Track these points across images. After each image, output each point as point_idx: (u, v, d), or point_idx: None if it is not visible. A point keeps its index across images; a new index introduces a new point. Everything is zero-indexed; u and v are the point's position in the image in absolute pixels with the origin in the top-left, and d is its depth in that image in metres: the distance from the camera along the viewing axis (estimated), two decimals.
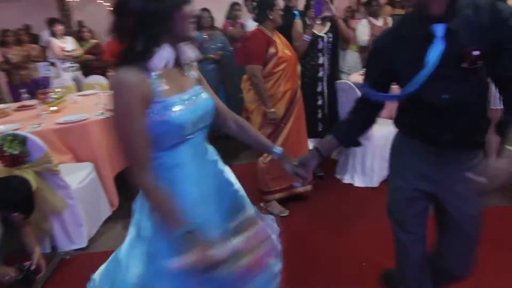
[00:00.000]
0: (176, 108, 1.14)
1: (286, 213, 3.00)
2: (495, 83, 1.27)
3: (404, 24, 1.33)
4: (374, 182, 3.22)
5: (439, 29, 1.17)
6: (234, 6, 5.52)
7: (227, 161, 1.47)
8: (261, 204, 3.10)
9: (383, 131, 3.17)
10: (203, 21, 4.56)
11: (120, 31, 1.12)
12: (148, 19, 1.08)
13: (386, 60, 1.35)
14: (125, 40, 1.12)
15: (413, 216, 1.50)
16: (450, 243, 1.47)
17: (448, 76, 1.22)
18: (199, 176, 1.25)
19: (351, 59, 5.27)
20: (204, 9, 4.62)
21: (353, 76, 3.85)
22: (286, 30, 3.19)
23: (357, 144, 1.60)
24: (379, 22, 4.79)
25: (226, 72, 4.71)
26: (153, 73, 1.12)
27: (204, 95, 1.28)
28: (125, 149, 1.11)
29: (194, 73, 1.32)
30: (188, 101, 1.19)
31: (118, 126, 1.09)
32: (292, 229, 2.78)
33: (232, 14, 5.50)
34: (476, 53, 1.15)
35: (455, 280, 1.57)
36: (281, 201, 3.06)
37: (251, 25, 5.34)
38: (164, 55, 1.12)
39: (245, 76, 3.00)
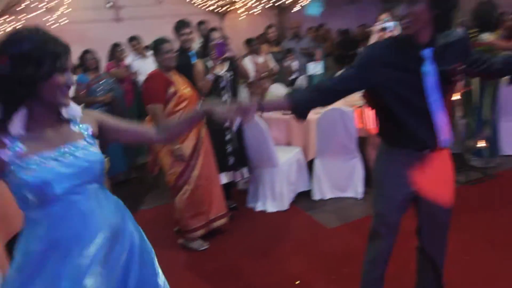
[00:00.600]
0: (33, 168, 1.13)
1: (205, 246, 3.02)
2: (479, 75, 1.80)
3: (390, 52, 1.60)
4: (285, 205, 3.45)
5: (428, 52, 1.54)
6: (116, 47, 5.39)
7: (134, 208, 1.46)
8: (180, 241, 3.08)
9: (286, 157, 3.47)
10: (87, 63, 4.34)
11: None
12: (10, 84, 1.09)
13: (372, 80, 1.60)
14: None
15: (402, 215, 1.77)
16: (429, 229, 1.78)
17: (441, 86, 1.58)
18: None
19: (243, 93, 5.61)
20: (87, 51, 4.40)
21: None
22: (184, 69, 3.27)
23: (305, 116, 1.69)
24: (260, 59, 5.25)
25: (117, 114, 4.51)
26: (13, 136, 1.14)
27: (83, 151, 1.23)
28: None
29: (85, 125, 1.29)
30: (57, 158, 1.17)
31: None
32: (219, 262, 2.80)
33: (115, 55, 5.35)
34: (461, 67, 1.61)
35: (438, 271, 1.86)
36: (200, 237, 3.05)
37: (136, 65, 5.28)
38: (20, 118, 1.13)
39: (148, 117, 2.97)
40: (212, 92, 3.32)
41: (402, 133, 1.66)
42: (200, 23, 5.39)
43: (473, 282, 2.29)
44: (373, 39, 3.28)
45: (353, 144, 3.39)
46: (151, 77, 2.94)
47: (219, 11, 10.38)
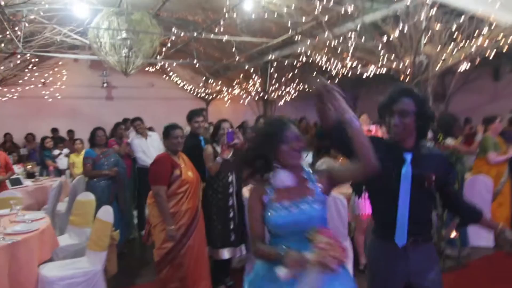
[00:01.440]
0: (274, 212, 1.62)
1: None
2: (441, 195, 1.99)
3: (379, 149, 1.66)
4: None
5: (409, 156, 1.82)
6: (118, 126, 5.79)
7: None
8: None
9: None
10: (97, 139, 4.65)
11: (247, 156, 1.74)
12: (258, 149, 1.69)
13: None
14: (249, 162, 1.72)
15: None
16: None
17: (413, 188, 1.81)
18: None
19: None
20: (98, 128, 4.75)
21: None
22: (193, 151, 3.67)
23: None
24: None
25: (120, 187, 4.74)
26: (270, 186, 1.67)
27: (308, 205, 1.64)
28: (251, 232, 1.73)
29: (317, 184, 1.70)
30: (289, 208, 1.62)
31: (248, 217, 1.77)
32: None
33: (117, 133, 5.73)
34: (433, 177, 1.83)
35: None
36: None
37: (137, 143, 5.64)
38: (280, 177, 1.66)
39: (150, 193, 3.26)
40: (220, 173, 3.69)
41: (381, 224, 1.90)
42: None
43: None
44: None
45: (345, 229, 3.76)
46: (159, 160, 3.25)
47: (206, 97, 11.23)
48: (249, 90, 9.24)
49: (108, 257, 3.25)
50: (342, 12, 4.01)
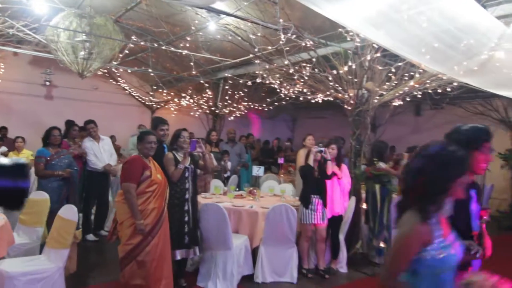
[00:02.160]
0: (444, 251, 1.50)
1: None
2: None
3: None
4: (234, 286, 3.94)
5: (473, 193, 1.87)
6: (71, 127, 5.72)
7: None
8: None
9: (236, 243, 4.08)
10: (52, 138, 4.61)
11: (412, 187, 1.55)
12: (435, 183, 1.49)
13: None
14: (414, 195, 1.53)
15: None
16: None
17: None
18: None
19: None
20: (54, 128, 4.70)
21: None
22: (158, 158, 3.89)
23: None
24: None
25: (71, 190, 4.70)
26: (433, 220, 1.50)
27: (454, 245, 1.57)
28: (389, 268, 1.56)
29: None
30: (451, 246, 1.54)
31: (396, 252, 1.55)
32: None
33: (71, 134, 5.66)
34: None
35: None
36: None
37: (89, 146, 5.61)
38: (447, 209, 1.55)
39: (120, 191, 3.45)
40: (178, 179, 3.91)
41: None
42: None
43: None
44: (311, 158, 4.36)
45: (293, 236, 4.19)
46: (132, 160, 3.49)
47: (152, 105, 11.22)
48: (200, 103, 9.48)
49: (69, 255, 3.30)
50: (302, 45, 4.53)
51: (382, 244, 4.76)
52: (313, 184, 4.35)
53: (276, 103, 7.77)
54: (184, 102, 10.01)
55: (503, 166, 7.94)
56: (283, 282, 4.19)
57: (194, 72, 7.51)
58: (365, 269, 4.72)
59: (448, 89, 4.81)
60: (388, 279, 1.54)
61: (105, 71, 9.84)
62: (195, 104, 9.56)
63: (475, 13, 2.89)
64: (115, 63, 7.19)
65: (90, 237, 5.56)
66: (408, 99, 5.26)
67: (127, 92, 10.86)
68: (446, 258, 1.50)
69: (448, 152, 1.51)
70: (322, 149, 4.36)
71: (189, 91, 9.51)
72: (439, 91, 4.93)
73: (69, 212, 3.39)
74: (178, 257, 3.82)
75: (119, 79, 10.47)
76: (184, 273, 4.02)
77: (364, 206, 4.99)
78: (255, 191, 5.08)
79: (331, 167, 4.37)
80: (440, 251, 1.49)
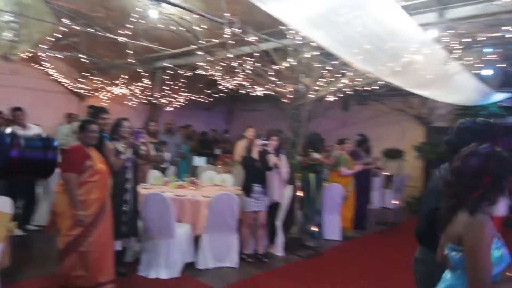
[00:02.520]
0: (500, 251, 1.51)
1: None
2: None
3: None
4: (177, 273, 4.01)
5: None
6: (16, 111, 5.31)
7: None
8: None
9: (179, 231, 4.15)
10: None
11: (474, 185, 1.54)
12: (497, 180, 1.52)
13: None
14: (475, 191, 1.52)
15: None
16: None
17: None
18: None
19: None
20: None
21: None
22: (98, 147, 3.80)
23: None
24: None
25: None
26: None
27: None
28: (480, 275, 1.46)
29: None
30: (503, 244, 1.56)
31: (480, 259, 1.46)
32: None
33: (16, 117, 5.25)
34: None
35: None
36: None
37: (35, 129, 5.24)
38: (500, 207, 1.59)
39: (60, 181, 3.35)
40: (119, 169, 3.86)
41: None
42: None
43: None
44: (255, 150, 4.58)
45: (234, 223, 4.37)
46: (73, 149, 3.40)
47: (81, 93, 10.59)
48: (136, 93, 9.20)
49: (2, 249, 3.13)
50: (245, 39, 4.68)
51: (314, 228, 5.15)
52: (255, 174, 4.57)
53: (215, 95, 7.85)
54: (117, 91, 9.62)
55: (416, 157, 8.92)
56: (225, 267, 4.35)
57: (130, 60, 7.28)
58: (300, 252, 5.08)
59: (376, 87, 5.33)
60: (488, 286, 1.47)
61: (31, 54, 9.08)
62: (131, 93, 9.24)
63: (401, 19, 3.27)
64: (45, 47, 6.70)
65: (17, 232, 5.20)
66: (339, 94, 5.71)
67: (52, 78, 10.13)
68: (504, 256, 1.52)
69: (501, 152, 1.57)
70: (266, 142, 4.60)
71: (123, 79, 9.16)
72: (367, 88, 5.43)
73: (2, 204, 3.20)
74: (118, 247, 3.79)
75: (43, 63, 9.71)
76: (123, 262, 4.00)
77: (299, 193, 5.33)
78: (197, 181, 5.16)
79: (273, 160, 4.63)
80: (499, 249, 1.51)
